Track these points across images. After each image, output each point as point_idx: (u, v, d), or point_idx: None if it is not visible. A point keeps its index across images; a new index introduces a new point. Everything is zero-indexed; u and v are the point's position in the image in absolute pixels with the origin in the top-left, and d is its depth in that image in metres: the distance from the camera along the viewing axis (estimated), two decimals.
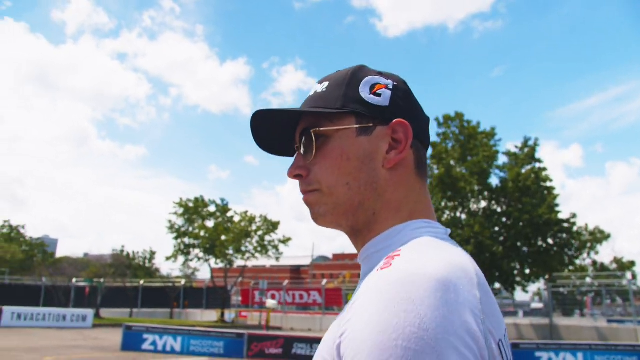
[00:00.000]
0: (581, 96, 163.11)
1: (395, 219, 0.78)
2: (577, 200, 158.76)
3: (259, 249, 35.84)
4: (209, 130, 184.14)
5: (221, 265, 36.67)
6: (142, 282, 38.60)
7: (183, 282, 38.87)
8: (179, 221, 36.18)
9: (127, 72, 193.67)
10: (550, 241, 26.29)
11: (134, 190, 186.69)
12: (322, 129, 0.81)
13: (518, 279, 26.77)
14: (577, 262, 33.03)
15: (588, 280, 38.12)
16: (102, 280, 33.90)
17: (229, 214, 37.53)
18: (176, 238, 35.87)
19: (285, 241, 36.35)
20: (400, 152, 0.79)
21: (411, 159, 0.81)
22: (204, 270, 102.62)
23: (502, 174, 26.95)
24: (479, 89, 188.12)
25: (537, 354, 14.31)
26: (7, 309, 23.20)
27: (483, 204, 26.97)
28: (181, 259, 36.38)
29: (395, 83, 0.84)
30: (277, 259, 36.84)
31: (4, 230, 54.64)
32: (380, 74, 0.85)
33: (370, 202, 0.79)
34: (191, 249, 36.17)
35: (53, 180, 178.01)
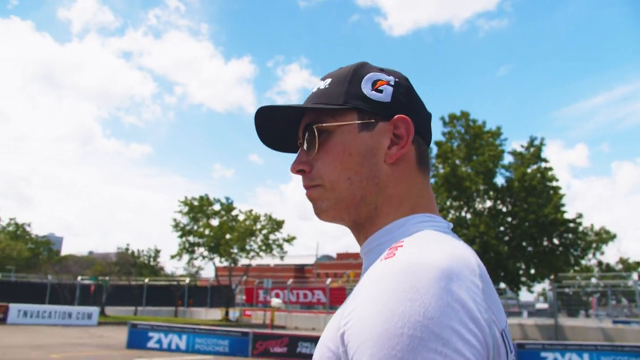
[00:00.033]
0: (587, 95, 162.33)
1: (397, 213, 0.80)
2: (582, 200, 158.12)
3: (263, 247, 35.90)
4: (214, 128, 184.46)
5: (225, 264, 36.75)
6: (146, 280, 38.73)
7: (187, 280, 38.98)
8: (184, 220, 36.31)
9: (132, 71, 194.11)
10: (555, 241, 26.17)
11: (138, 188, 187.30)
12: (324, 124, 0.82)
13: (523, 279, 26.66)
14: (583, 262, 32.90)
15: (593, 280, 37.94)
16: (107, 278, 34.04)
17: (234, 213, 37.60)
18: (181, 236, 35.97)
19: (289, 240, 36.38)
20: (402, 147, 0.80)
21: (413, 154, 0.82)
22: (208, 268, 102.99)
23: (507, 174, 26.84)
24: (485, 88, 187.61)
25: (543, 354, 14.26)
26: (14, 307, 23.33)
27: (488, 203, 26.86)
28: (186, 257, 36.52)
29: (396, 79, 0.85)
30: (282, 257, 36.89)
31: (10, 228, 54.98)
32: (382, 70, 0.86)
33: (372, 197, 0.80)
34: (196, 248, 36.28)
35: (58, 179, 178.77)
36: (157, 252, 49.26)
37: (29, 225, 56.91)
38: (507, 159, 28.11)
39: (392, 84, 0.83)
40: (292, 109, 0.86)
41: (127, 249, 46.76)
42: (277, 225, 35.95)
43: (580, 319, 30.92)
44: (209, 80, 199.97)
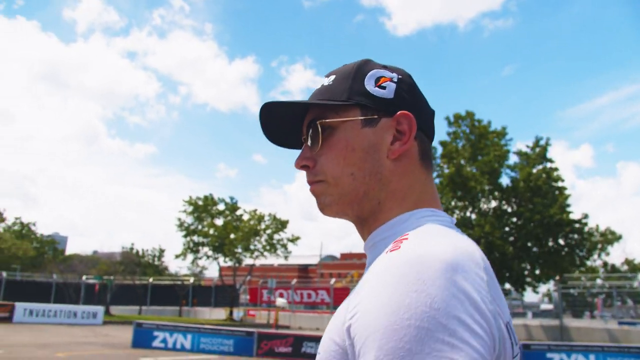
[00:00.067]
0: (592, 95, 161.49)
1: (401, 208, 0.80)
2: (587, 200, 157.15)
3: (267, 247, 35.91)
4: (218, 128, 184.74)
5: (230, 263, 36.80)
6: (151, 279, 38.82)
7: (192, 280, 39.04)
8: (189, 219, 36.35)
9: (137, 71, 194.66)
10: (561, 242, 26.09)
11: (143, 188, 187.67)
12: (328, 120, 0.83)
13: (528, 279, 26.58)
14: (588, 263, 32.77)
15: (598, 281, 37.79)
16: (112, 277, 34.15)
17: (238, 213, 37.63)
18: (185, 236, 36.03)
19: (294, 240, 36.38)
20: (404, 143, 0.81)
21: (415, 150, 0.83)
22: (211, 268, 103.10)
23: (512, 174, 26.77)
24: (489, 88, 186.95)
25: (549, 355, 14.20)
26: (20, 305, 23.44)
27: (493, 203, 26.82)
28: (190, 256, 36.56)
29: (400, 76, 0.85)
30: (286, 257, 36.88)
31: (16, 227, 55.26)
32: (385, 67, 0.87)
33: (375, 192, 0.81)
34: (200, 247, 36.32)
35: (64, 179, 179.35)
36: (162, 251, 49.42)
37: (34, 224, 57.25)
38: (512, 159, 28.09)
39: (395, 80, 0.84)
40: (296, 104, 0.87)
41: (131, 249, 46.92)
42: (282, 225, 35.96)
43: (586, 320, 30.80)
44: (213, 80, 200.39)
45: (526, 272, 26.29)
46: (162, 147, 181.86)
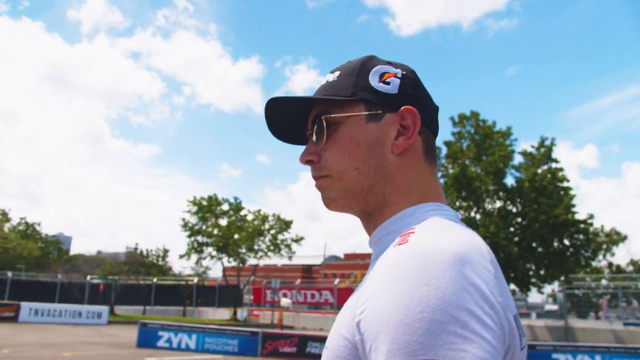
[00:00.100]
0: (596, 96, 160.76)
1: (406, 202, 0.81)
2: (592, 201, 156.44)
3: (271, 247, 35.92)
4: (222, 128, 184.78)
5: (234, 263, 36.83)
6: (155, 279, 38.90)
7: (195, 280, 39.10)
8: (193, 219, 36.41)
9: (141, 71, 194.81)
10: (566, 242, 26.00)
11: (146, 188, 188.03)
12: (332, 115, 0.84)
13: (533, 279, 26.50)
14: (593, 263, 32.63)
15: (603, 282, 37.63)
16: (116, 277, 34.25)
17: (242, 213, 37.67)
18: (190, 236, 36.09)
19: (298, 240, 36.38)
20: (409, 138, 0.81)
21: (419, 145, 0.84)
22: (215, 268, 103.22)
23: (517, 174, 26.69)
24: (493, 88, 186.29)
25: (554, 355, 14.15)
26: (25, 305, 23.54)
27: (498, 204, 26.74)
28: (194, 257, 36.62)
29: (404, 72, 0.86)
30: (290, 258, 36.90)
31: (21, 228, 55.48)
32: (389, 63, 0.87)
33: (379, 186, 0.81)
34: (204, 247, 36.38)
35: (68, 179, 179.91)
36: (166, 251, 49.52)
37: (39, 224, 57.45)
38: (517, 159, 28.01)
39: (399, 76, 0.85)
40: (301, 100, 0.88)
41: (135, 249, 47.03)
42: (286, 225, 35.97)
43: (590, 321, 30.68)
44: (217, 81, 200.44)
45: (531, 273, 26.20)
46: (166, 148, 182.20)
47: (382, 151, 0.81)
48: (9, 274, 33.50)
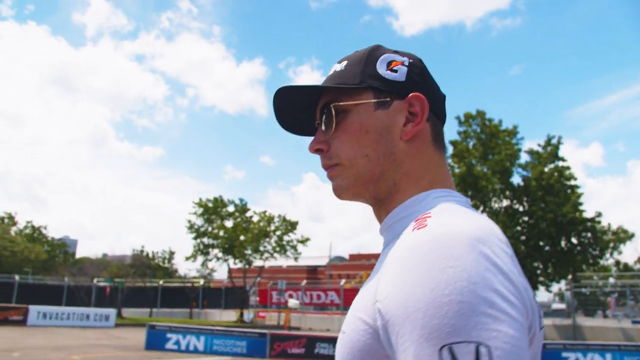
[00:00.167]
0: (601, 94, 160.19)
1: (416, 188, 0.81)
2: (597, 199, 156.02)
3: (277, 249, 35.91)
4: (225, 130, 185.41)
5: (240, 265, 36.83)
6: (161, 282, 38.96)
7: (201, 282, 39.12)
8: (199, 221, 36.43)
9: (145, 74, 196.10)
10: (574, 240, 25.87)
11: (151, 190, 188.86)
12: (341, 103, 0.84)
13: (541, 278, 26.38)
14: (600, 262, 32.46)
15: (611, 280, 37.41)
16: (123, 280, 34.33)
17: (248, 214, 37.67)
18: (195, 238, 36.12)
19: (303, 241, 36.35)
20: (417, 124, 0.82)
21: (428, 132, 0.84)
22: (220, 270, 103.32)
23: (524, 173, 26.60)
24: (497, 87, 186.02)
25: (564, 354, 14.07)
26: (33, 308, 23.62)
27: (505, 203, 26.65)
28: (200, 258, 36.64)
29: (411, 60, 0.87)
30: (296, 259, 36.87)
31: (27, 231, 55.71)
32: (396, 52, 0.88)
33: (390, 173, 0.82)
34: (210, 249, 36.39)
35: (72, 182, 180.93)
36: (172, 253, 49.58)
37: (45, 228, 57.67)
38: (523, 158, 27.93)
39: (407, 64, 0.86)
40: (310, 88, 0.88)
41: (141, 251, 47.12)
42: (291, 226, 35.95)
43: (599, 319, 30.51)
44: (220, 82, 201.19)
45: (538, 272, 26.09)
46: (170, 150, 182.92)
47: (391, 138, 0.82)
48: (16, 277, 33.64)
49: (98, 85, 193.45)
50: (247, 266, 36.18)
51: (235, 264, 36.99)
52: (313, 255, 75.99)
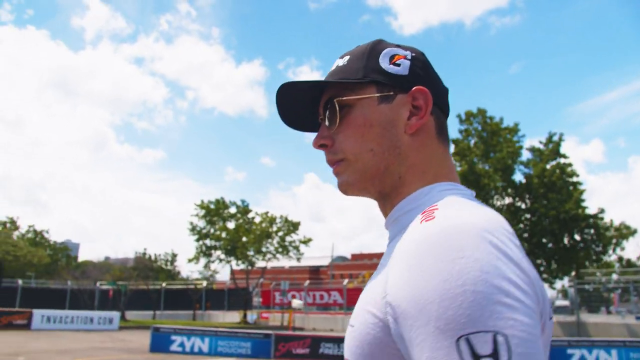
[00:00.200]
0: (601, 90, 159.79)
1: (422, 181, 0.81)
2: (599, 195, 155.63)
3: (279, 249, 35.91)
4: (225, 132, 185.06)
5: (242, 266, 36.84)
6: (164, 284, 38.97)
7: (204, 284, 39.14)
8: (201, 223, 36.44)
9: (145, 76, 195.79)
10: (577, 237, 25.87)
11: (151, 193, 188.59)
12: (345, 98, 0.84)
13: (544, 275, 26.37)
14: (603, 258, 32.45)
15: (614, 276, 37.37)
16: (126, 283, 34.35)
17: (250, 215, 37.69)
18: (198, 240, 36.13)
19: (306, 242, 36.36)
20: (421, 117, 0.82)
21: (432, 125, 0.84)
22: (223, 272, 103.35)
23: (526, 170, 26.60)
24: (497, 85, 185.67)
25: (569, 351, 14.03)
26: (37, 312, 23.65)
27: (507, 200, 26.65)
28: (203, 260, 36.65)
29: (413, 54, 0.87)
30: (299, 259, 36.88)
31: (29, 235, 55.77)
32: (398, 46, 0.89)
33: (395, 167, 0.82)
34: (213, 251, 36.41)
35: (73, 185, 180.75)
36: (174, 256, 49.62)
37: (47, 232, 57.74)
38: (525, 155, 27.92)
39: (409, 58, 0.86)
40: (313, 83, 0.88)
41: (144, 254, 47.15)
42: (293, 227, 35.96)
43: (602, 316, 30.46)
44: (220, 84, 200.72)
45: (542, 269, 26.08)
46: (170, 152, 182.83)
47: (396, 132, 0.82)
48: (20, 281, 33.69)
49: (98, 89, 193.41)
50: (249, 267, 36.19)
51: (237, 265, 37.01)
52: (315, 255, 76.07)
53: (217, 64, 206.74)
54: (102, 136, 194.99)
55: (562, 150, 26.03)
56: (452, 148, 26.18)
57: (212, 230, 36.37)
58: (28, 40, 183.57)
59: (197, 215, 36.30)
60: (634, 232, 42.29)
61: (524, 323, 0.56)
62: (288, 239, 36.10)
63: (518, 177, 26.81)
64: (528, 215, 26.28)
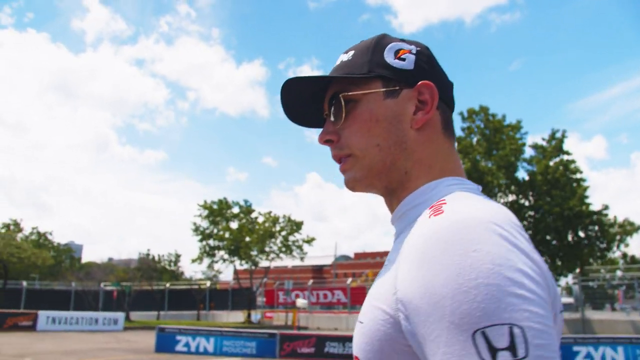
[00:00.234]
0: (603, 87, 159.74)
1: (428, 176, 0.81)
2: (602, 192, 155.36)
3: (283, 249, 35.94)
4: (227, 132, 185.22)
5: (246, 266, 36.88)
6: (168, 285, 39.03)
7: (208, 284, 39.19)
8: (204, 223, 36.48)
9: (145, 78, 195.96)
10: (581, 234, 25.80)
11: (153, 194, 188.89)
12: (350, 93, 0.84)
13: None
14: (607, 255, 32.37)
15: (618, 273, 37.27)
16: (129, 284, 34.42)
17: (253, 215, 37.72)
18: (201, 240, 36.17)
19: (309, 241, 36.38)
20: (427, 112, 0.81)
21: (438, 120, 0.84)
22: (226, 272, 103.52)
23: (529, 167, 26.55)
24: (498, 82, 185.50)
25: (575, 348, 13.98)
26: (42, 314, 23.72)
27: (510, 198, 26.60)
28: (206, 260, 36.70)
29: (418, 48, 0.86)
30: (302, 258, 36.91)
31: (33, 237, 55.93)
32: (403, 40, 0.88)
33: (401, 162, 0.81)
34: (216, 251, 36.45)
35: (75, 187, 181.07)
36: (178, 256, 49.70)
37: (50, 233, 57.90)
38: (528, 152, 27.86)
39: (414, 52, 0.85)
40: (317, 79, 0.87)
41: (147, 254, 47.22)
42: (296, 226, 35.98)
43: (607, 313, 30.40)
44: (221, 85, 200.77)
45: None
46: (172, 153, 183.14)
47: (402, 127, 0.81)
48: (24, 283, 33.78)
49: (99, 91, 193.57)
50: (253, 267, 36.23)
51: (241, 265, 37.07)
52: (318, 254, 76.14)
53: (218, 64, 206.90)
54: (103, 138, 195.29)
55: (565, 147, 25.99)
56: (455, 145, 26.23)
57: (215, 231, 36.42)
58: (28, 43, 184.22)
59: (200, 215, 36.35)
60: (638, 228, 42.15)
61: (538, 314, 0.55)
62: (291, 238, 36.15)
63: (521, 174, 26.78)
64: (532, 213, 26.23)
